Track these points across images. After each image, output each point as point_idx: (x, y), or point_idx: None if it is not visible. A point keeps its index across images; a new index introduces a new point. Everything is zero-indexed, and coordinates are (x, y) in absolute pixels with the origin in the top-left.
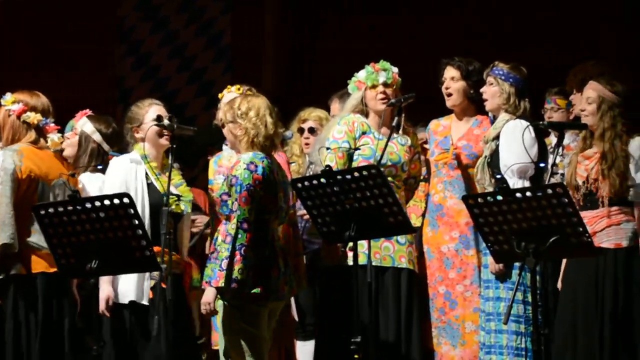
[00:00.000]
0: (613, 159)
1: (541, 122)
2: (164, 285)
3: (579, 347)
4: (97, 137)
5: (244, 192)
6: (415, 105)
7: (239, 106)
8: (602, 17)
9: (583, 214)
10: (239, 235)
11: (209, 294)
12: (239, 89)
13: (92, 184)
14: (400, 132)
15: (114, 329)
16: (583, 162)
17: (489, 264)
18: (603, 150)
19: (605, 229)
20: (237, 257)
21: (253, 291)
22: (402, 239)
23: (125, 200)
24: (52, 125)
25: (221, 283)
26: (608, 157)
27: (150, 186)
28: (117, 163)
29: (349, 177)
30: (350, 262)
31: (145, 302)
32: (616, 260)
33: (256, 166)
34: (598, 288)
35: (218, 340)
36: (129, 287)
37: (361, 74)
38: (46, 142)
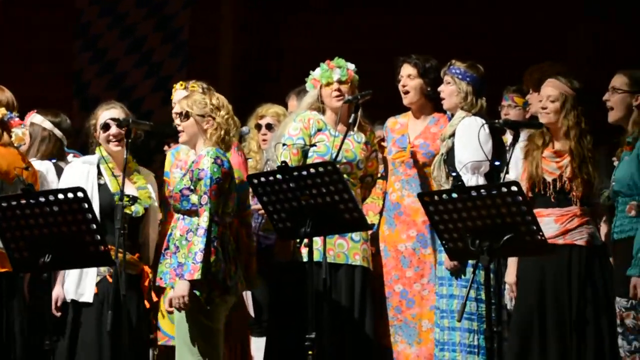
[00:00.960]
0: (581, 159)
1: (497, 121)
2: (110, 280)
3: (551, 346)
4: (47, 124)
5: (214, 185)
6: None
7: (210, 101)
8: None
9: (552, 210)
10: (213, 228)
11: (183, 288)
12: (182, 85)
13: (40, 167)
14: (356, 129)
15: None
16: (553, 159)
17: (444, 260)
18: (570, 148)
19: (577, 227)
20: (212, 249)
21: (225, 284)
22: (356, 236)
23: (80, 194)
24: (17, 119)
25: (197, 276)
26: (576, 156)
27: (101, 187)
28: (71, 167)
29: (304, 173)
30: (304, 259)
31: (85, 299)
32: (589, 257)
33: (222, 161)
34: (572, 285)
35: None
36: (71, 285)
37: (316, 72)
38: (10, 137)
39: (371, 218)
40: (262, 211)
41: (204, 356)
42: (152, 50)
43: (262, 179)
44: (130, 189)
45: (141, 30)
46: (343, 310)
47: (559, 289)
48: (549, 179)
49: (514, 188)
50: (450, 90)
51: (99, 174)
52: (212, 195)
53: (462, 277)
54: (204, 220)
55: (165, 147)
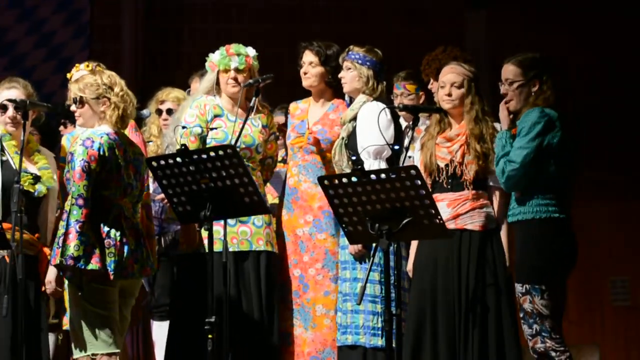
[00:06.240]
0: (477, 141)
1: (397, 105)
2: (7, 259)
3: (441, 332)
4: None
5: (78, 167)
6: None
7: (102, 80)
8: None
9: (445, 195)
10: (74, 212)
11: (50, 273)
12: (87, 66)
13: None
14: (253, 113)
15: None
16: (444, 144)
17: (349, 246)
18: (469, 132)
19: (469, 211)
20: (72, 233)
21: (90, 268)
22: (258, 221)
23: None
24: None
25: (58, 260)
26: (472, 140)
27: (4, 163)
28: None
29: (204, 156)
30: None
31: None
32: (480, 241)
33: (92, 142)
34: (462, 269)
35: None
36: None
37: (215, 57)
38: None
39: (271, 201)
40: (161, 196)
41: (97, 342)
42: (54, 32)
43: (162, 162)
44: (32, 169)
45: (42, 12)
46: (252, 296)
47: (449, 274)
48: (441, 164)
49: (413, 172)
50: (352, 75)
51: (2, 150)
52: (76, 178)
53: (367, 261)
54: (67, 204)
55: (61, 128)
